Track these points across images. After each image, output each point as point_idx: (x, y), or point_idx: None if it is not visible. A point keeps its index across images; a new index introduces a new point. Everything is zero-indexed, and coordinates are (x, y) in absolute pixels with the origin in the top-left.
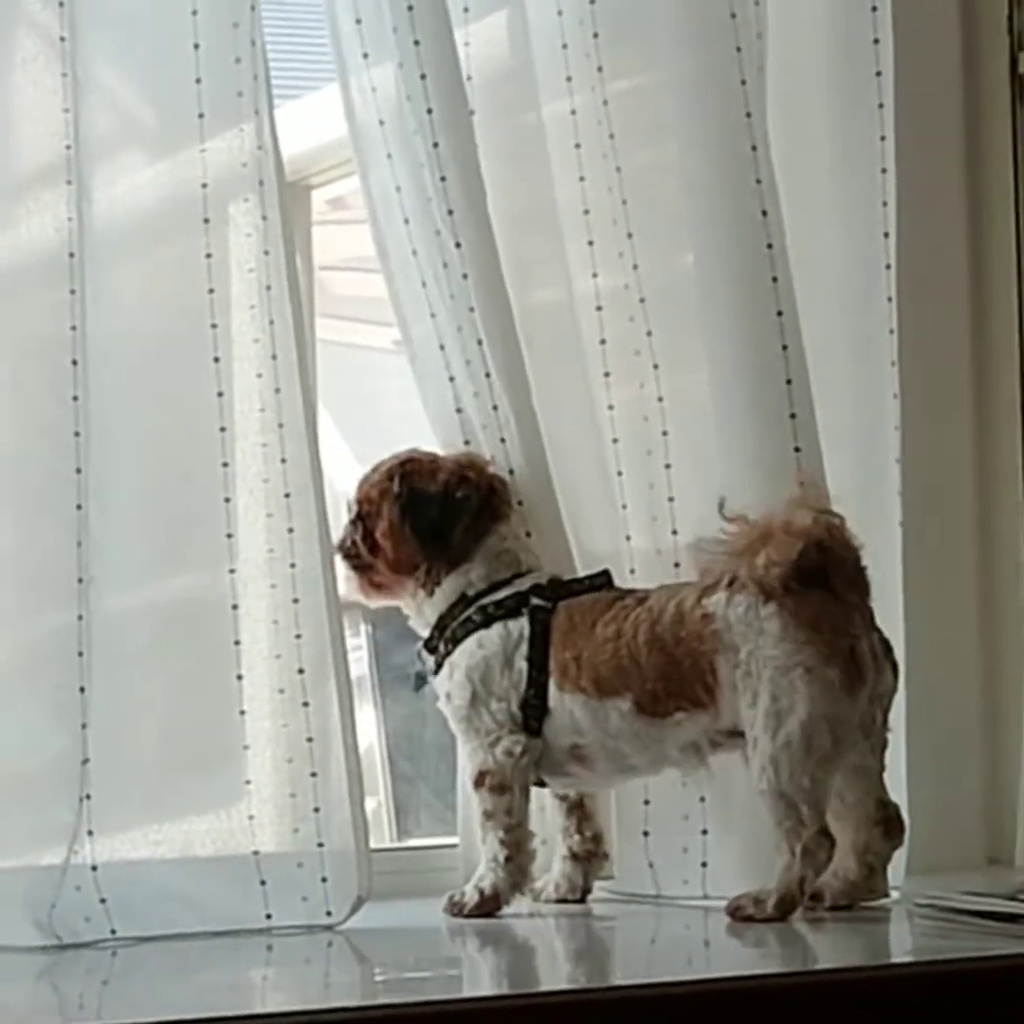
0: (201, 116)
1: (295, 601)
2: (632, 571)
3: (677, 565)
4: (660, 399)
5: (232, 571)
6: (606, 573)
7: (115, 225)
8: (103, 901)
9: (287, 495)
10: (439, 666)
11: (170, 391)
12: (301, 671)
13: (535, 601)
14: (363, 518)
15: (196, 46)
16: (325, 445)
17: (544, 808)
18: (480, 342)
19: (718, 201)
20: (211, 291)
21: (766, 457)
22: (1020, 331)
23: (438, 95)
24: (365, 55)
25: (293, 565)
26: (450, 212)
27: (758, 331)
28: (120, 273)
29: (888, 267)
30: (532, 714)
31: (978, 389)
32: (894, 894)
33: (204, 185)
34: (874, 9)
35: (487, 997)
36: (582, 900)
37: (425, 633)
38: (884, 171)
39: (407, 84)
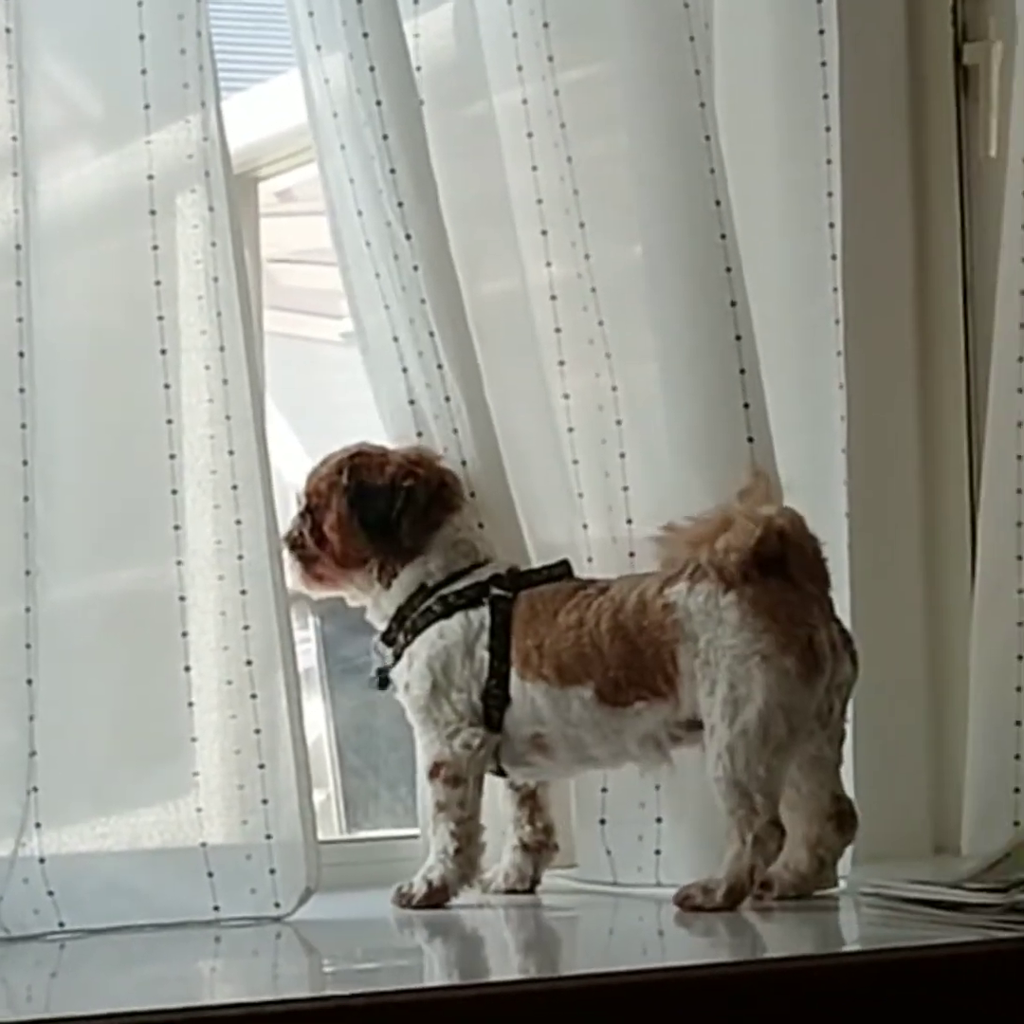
0: (147, 107)
1: (243, 593)
2: (589, 559)
3: (632, 554)
4: (614, 388)
5: (179, 563)
6: (565, 563)
7: (61, 217)
8: (51, 894)
9: (234, 487)
10: (398, 657)
11: (117, 383)
12: (249, 663)
13: (496, 591)
14: (311, 511)
15: (141, 37)
16: (273, 437)
17: (498, 800)
18: (432, 334)
19: (670, 191)
20: (158, 283)
21: (719, 447)
22: (965, 321)
23: (387, 87)
24: (318, 47)
25: (241, 557)
26: (400, 204)
27: (712, 321)
28: (67, 265)
29: (833, 257)
30: (493, 705)
31: (923, 379)
32: (841, 883)
33: (150, 177)
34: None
35: (437, 987)
36: (531, 891)
37: (382, 626)
38: (829, 162)
39: (357, 76)
